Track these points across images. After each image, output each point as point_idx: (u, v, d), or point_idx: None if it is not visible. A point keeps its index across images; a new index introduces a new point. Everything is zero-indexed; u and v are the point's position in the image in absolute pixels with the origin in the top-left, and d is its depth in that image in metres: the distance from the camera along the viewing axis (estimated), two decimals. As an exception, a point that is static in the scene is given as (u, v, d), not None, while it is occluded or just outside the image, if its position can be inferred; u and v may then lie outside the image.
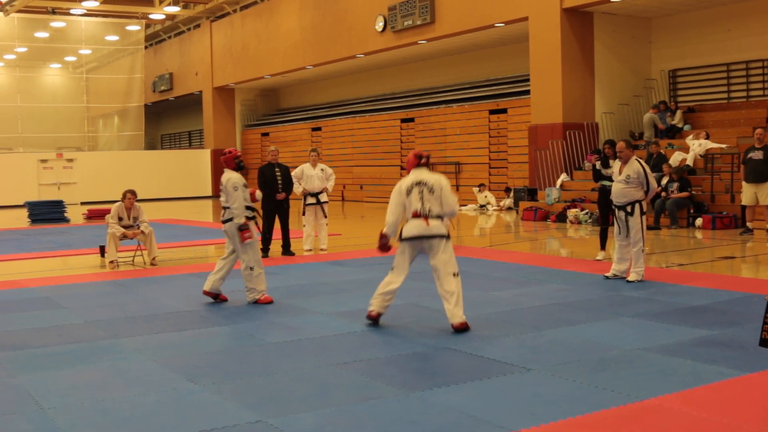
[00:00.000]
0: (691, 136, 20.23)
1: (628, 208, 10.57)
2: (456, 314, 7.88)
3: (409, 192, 8.12)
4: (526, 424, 5.10)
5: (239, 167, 9.85)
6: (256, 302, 9.61)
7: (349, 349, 7.27)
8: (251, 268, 9.56)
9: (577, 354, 6.86)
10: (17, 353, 7.38)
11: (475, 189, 25.41)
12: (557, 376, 6.19)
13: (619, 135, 21.93)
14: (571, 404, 5.50)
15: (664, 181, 18.25)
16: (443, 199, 8.15)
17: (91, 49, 41.04)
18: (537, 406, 5.51)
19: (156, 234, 14.03)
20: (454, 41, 26.56)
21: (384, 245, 8.27)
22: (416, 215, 8.05)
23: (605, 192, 12.10)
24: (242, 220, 9.52)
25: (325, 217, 14.94)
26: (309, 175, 14.78)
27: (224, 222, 9.73)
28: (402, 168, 30.10)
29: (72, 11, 36.89)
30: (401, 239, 8.16)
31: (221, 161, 9.99)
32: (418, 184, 8.13)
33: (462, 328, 7.82)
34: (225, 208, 9.69)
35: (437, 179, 8.20)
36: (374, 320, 8.29)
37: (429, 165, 8.39)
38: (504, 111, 25.76)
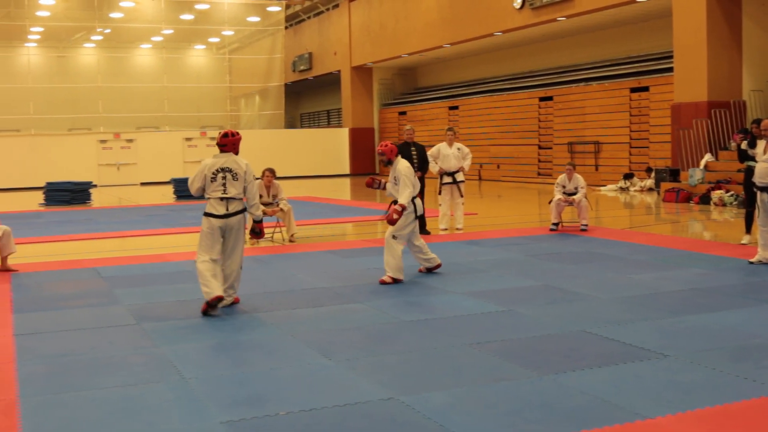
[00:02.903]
0: None
1: (772, 190, 10.18)
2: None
3: None
4: (662, 411, 4.99)
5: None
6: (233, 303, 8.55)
7: (483, 330, 7.26)
8: (241, 267, 8.57)
9: (718, 341, 6.66)
10: (162, 324, 7.68)
11: (622, 182, 24.71)
12: (696, 364, 6.02)
13: (768, 114, 21.07)
14: (709, 393, 5.35)
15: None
16: None
17: (234, 31, 42.05)
18: (673, 393, 5.38)
19: (295, 211, 14.31)
20: (595, 17, 25.97)
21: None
22: (419, 196, 10.01)
23: (751, 173, 11.65)
24: (262, 214, 8.91)
25: (462, 196, 14.93)
26: (445, 154, 14.79)
27: (231, 215, 8.24)
28: (540, 147, 29.76)
29: (216, -7, 37.93)
30: (417, 216, 9.88)
31: (228, 143, 8.36)
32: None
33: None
34: (229, 198, 8.22)
35: None
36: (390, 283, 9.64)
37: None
38: (646, 89, 25.08)
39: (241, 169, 8.29)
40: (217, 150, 8.46)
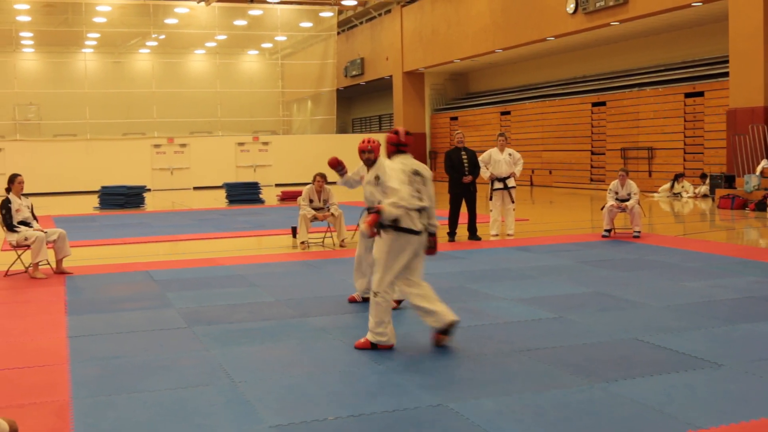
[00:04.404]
0: None
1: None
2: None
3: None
4: (714, 422, 4.91)
5: None
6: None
7: (533, 336, 7.21)
8: None
9: (774, 350, 6.54)
10: (212, 328, 7.74)
11: (671, 185, 24.41)
12: (751, 374, 5.92)
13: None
14: (763, 404, 5.25)
15: None
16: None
17: (287, 36, 42.32)
18: (727, 403, 5.29)
19: (345, 216, 14.34)
20: (648, 22, 25.71)
21: None
22: None
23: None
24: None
25: (513, 202, 14.86)
26: (496, 160, 14.73)
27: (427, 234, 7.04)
28: (593, 153, 29.51)
29: (269, 0, 38.16)
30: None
31: (411, 142, 7.35)
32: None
33: None
34: (422, 209, 6.97)
35: None
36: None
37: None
38: (701, 94, 24.77)
39: (427, 172, 7.22)
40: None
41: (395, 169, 6.99)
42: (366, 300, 8.77)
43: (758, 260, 11.41)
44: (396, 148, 7.22)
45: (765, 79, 21.02)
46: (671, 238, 14.34)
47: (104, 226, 18.81)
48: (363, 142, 8.42)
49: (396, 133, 7.22)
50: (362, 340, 6.93)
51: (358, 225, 8.27)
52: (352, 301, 8.96)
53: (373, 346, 6.83)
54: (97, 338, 7.43)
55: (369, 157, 8.38)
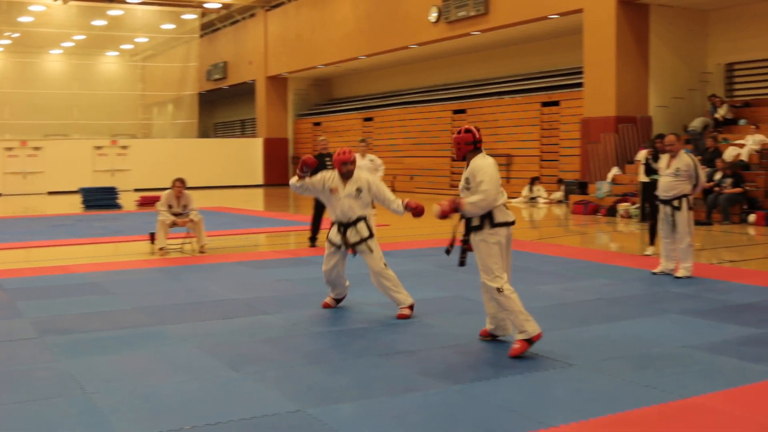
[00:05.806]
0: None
1: (675, 203, 10.45)
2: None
3: None
4: (566, 419, 5.07)
5: None
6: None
7: (393, 341, 7.27)
8: None
9: (621, 350, 6.79)
10: (64, 338, 7.49)
11: (527, 189, 25.07)
12: (599, 372, 6.14)
13: (672, 129, 21.56)
14: (612, 401, 5.45)
15: (718, 176, 17.98)
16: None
17: (148, 38, 41.50)
18: (578, 401, 5.47)
19: (206, 222, 14.14)
20: (508, 32, 26.38)
21: None
22: None
23: (653, 186, 11.92)
24: None
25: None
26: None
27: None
28: (453, 159, 29.99)
29: (129, 0, 37.33)
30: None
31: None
32: None
33: None
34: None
35: None
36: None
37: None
38: (556, 103, 25.55)
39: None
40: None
41: (490, 166, 6.78)
42: (340, 302, 8.83)
43: (608, 263, 11.85)
44: (474, 146, 6.94)
45: (617, 90, 21.86)
46: (527, 242, 14.71)
47: (-49, 233, 17.99)
48: (345, 153, 8.37)
49: (469, 131, 6.94)
50: (516, 346, 6.60)
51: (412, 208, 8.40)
52: (327, 306, 8.76)
53: (530, 343, 6.60)
54: (-60, 349, 7.09)
55: (350, 169, 8.39)
